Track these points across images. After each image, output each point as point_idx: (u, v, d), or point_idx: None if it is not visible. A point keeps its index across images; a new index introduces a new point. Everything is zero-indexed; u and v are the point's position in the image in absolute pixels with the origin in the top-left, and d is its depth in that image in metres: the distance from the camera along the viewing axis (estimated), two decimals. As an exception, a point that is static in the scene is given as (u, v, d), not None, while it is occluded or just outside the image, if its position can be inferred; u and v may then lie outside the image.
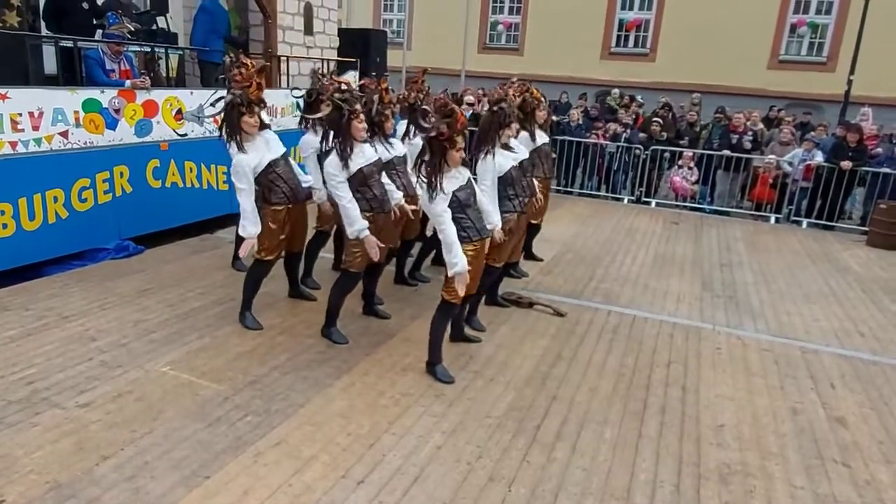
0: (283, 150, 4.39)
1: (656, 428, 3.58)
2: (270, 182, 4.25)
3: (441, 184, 3.55)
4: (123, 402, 3.44)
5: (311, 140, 4.77)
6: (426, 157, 3.61)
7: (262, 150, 4.23)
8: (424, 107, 3.52)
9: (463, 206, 3.69)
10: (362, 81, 5.33)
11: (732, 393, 4.04)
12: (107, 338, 4.19)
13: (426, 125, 3.52)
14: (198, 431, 3.23)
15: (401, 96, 5.62)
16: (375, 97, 4.53)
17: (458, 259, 3.60)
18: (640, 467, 3.20)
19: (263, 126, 4.31)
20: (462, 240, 3.67)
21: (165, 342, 4.19)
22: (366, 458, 3.11)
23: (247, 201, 4.13)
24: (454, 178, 3.65)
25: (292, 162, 4.53)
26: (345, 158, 3.92)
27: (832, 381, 4.32)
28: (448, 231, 3.61)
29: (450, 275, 3.68)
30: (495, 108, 4.21)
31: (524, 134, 5.34)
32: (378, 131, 4.55)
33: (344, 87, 4.05)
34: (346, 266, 4.27)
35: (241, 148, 4.15)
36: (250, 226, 4.16)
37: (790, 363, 4.55)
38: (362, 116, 4.01)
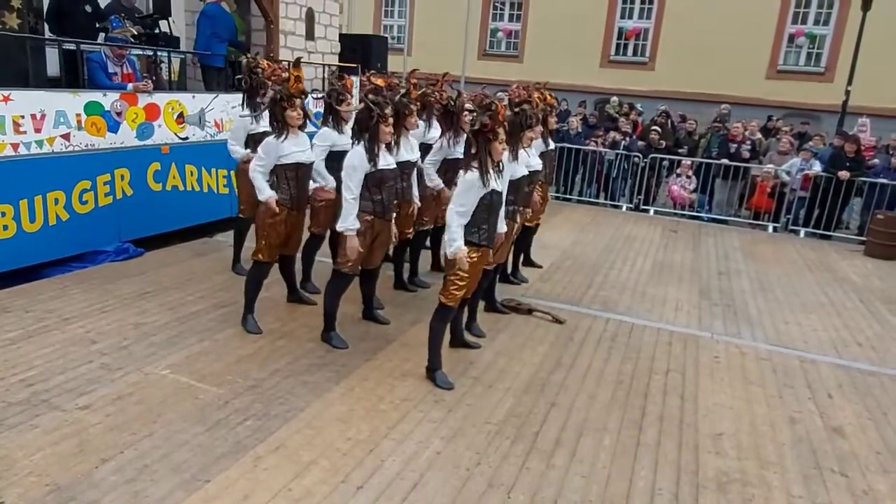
0: (313, 159, 4.49)
1: (655, 436, 3.59)
2: (286, 179, 4.31)
3: (489, 170, 3.60)
4: (123, 405, 3.45)
5: (331, 135, 4.73)
6: (472, 151, 3.64)
7: (295, 148, 4.29)
8: (468, 105, 3.55)
9: (488, 209, 3.73)
10: (378, 78, 5.29)
11: (730, 402, 4.06)
12: (107, 340, 4.20)
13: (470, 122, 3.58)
14: (198, 435, 3.23)
15: (430, 93, 5.48)
16: (402, 90, 4.53)
17: (458, 240, 3.63)
18: (639, 475, 3.21)
19: (304, 124, 4.36)
20: (471, 242, 3.70)
21: (165, 345, 4.19)
22: (365, 463, 3.12)
23: (260, 178, 4.25)
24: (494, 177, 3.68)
25: (315, 170, 4.60)
26: (372, 155, 3.96)
27: (830, 390, 4.33)
28: (462, 213, 3.63)
29: (448, 254, 3.69)
30: (517, 110, 4.21)
31: (537, 140, 5.33)
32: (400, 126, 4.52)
33: (382, 86, 4.10)
34: (338, 267, 4.27)
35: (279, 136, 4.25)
36: (267, 191, 4.26)
37: (788, 372, 4.56)
38: (391, 121, 4.06)
